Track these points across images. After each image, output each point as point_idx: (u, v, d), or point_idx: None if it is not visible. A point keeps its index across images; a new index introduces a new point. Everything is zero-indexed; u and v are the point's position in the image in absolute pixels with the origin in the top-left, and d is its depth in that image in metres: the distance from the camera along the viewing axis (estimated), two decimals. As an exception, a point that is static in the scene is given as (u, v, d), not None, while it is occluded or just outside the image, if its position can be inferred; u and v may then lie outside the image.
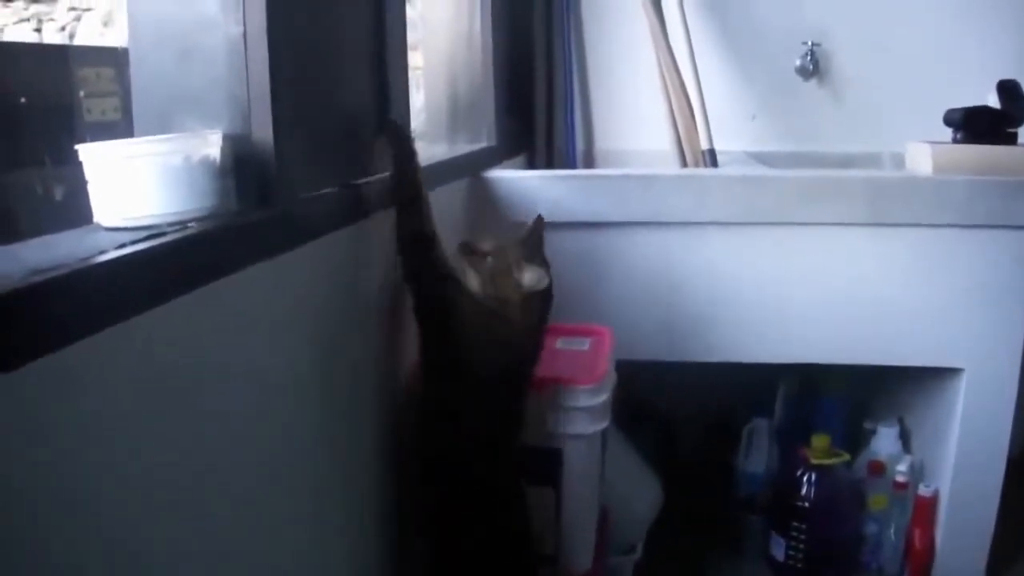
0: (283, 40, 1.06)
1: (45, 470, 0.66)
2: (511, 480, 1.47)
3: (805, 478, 2.21)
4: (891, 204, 2.01)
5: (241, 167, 1.04)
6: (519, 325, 1.41)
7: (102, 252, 0.78)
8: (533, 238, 1.50)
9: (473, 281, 1.39)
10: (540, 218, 1.55)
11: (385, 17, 1.48)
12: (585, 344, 1.84)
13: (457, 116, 2.43)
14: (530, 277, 1.40)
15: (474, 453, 1.40)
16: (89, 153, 0.93)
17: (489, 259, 1.42)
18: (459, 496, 1.41)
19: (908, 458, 2.27)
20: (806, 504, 2.20)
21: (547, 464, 1.63)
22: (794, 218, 2.03)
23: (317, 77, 1.23)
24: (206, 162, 0.99)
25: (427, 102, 2.45)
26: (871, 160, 2.78)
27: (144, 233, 0.86)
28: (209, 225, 0.94)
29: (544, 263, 1.47)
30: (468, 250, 1.43)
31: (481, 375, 1.39)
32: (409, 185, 1.37)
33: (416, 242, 1.37)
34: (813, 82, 2.89)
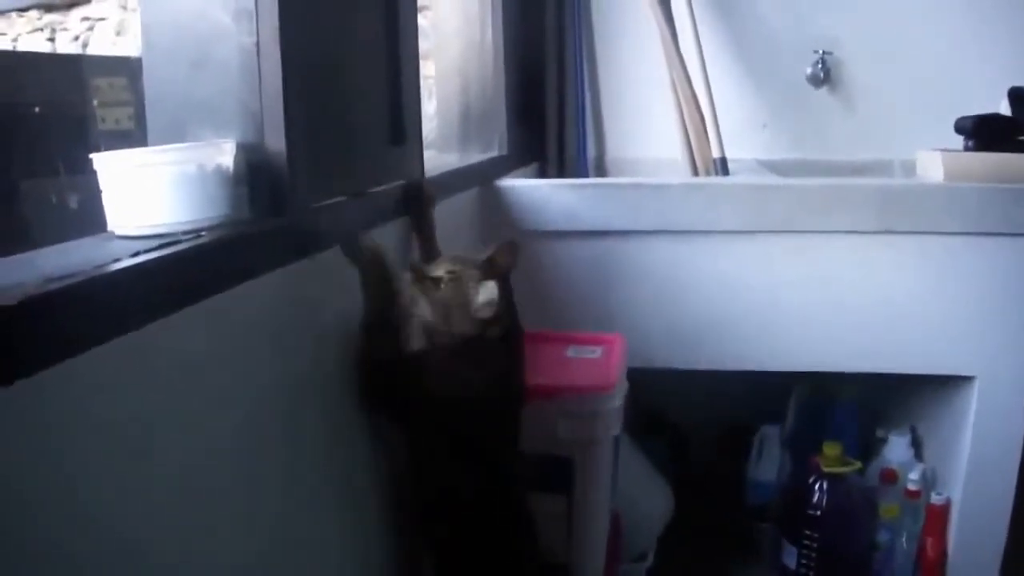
0: (295, 50, 1.06)
1: (59, 475, 0.67)
2: (514, 505, 1.42)
3: (817, 486, 2.20)
4: (902, 212, 2.01)
5: (254, 176, 1.05)
6: (484, 361, 1.28)
7: (116, 260, 0.78)
8: (496, 265, 1.29)
9: (425, 310, 1.24)
10: (514, 244, 1.32)
11: (397, 26, 1.48)
12: (597, 352, 1.84)
13: (469, 125, 2.43)
14: (483, 295, 1.24)
15: (472, 494, 1.34)
16: (103, 162, 0.94)
17: (443, 287, 1.25)
18: (463, 530, 1.36)
19: (920, 466, 2.26)
20: (818, 512, 2.19)
21: (559, 471, 1.63)
22: (805, 226, 2.03)
23: (329, 86, 1.23)
24: (219, 171, 0.99)
25: (439, 111, 2.46)
26: (882, 168, 2.77)
27: (158, 241, 0.87)
28: (222, 233, 0.94)
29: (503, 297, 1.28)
30: (419, 276, 1.26)
31: (465, 435, 1.30)
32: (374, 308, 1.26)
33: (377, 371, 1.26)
34: (824, 90, 2.89)
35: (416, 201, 1.47)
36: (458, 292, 1.24)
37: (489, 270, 1.26)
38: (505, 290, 1.28)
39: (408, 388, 1.26)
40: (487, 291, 1.24)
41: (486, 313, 1.24)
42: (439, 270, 1.26)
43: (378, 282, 1.25)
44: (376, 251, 1.25)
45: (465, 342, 1.25)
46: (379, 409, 1.30)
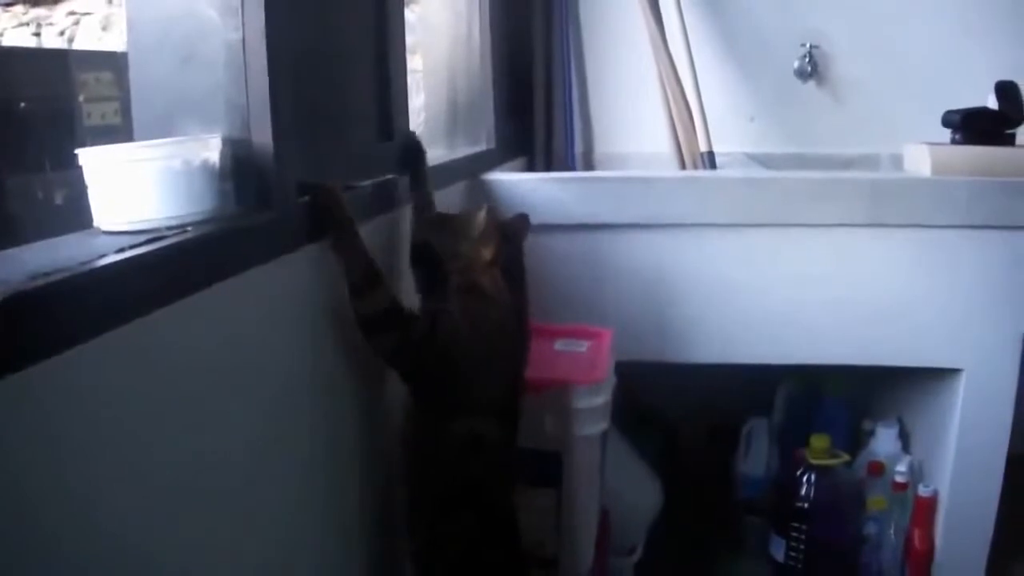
0: (282, 45, 1.06)
1: (47, 472, 0.66)
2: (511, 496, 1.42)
3: (805, 479, 2.21)
4: (890, 205, 2.01)
5: (240, 171, 1.05)
6: (493, 295, 1.34)
7: (102, 256, 0.78)
8: (508, 230, 1.42)
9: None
10: (525, 217, 1.50)
11: (385, 21, 1.48)
12: (584, 346, 1.85)
13: (456, 119, 2.43)
14: (478, 219, 1.34)
15: (489, 477, 1.36)
16: (89, 157, 0.93)
17: (456, 220, 1.38)
18: (472, 519, 1.35)
19: (907, 458, 2.27)
20: (806, 505, 2.20)
21: (548, 466, 1.63)
22: (793, 219, 2.03)
23: (316, 81, 1.23)
24: (206, 166, 0.99)
25: (426, 105, 2.45)
26: (870, 161, 2.78)
27: (144, 237, 0.87)
28: (208, 229, 0.94)
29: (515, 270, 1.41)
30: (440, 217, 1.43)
31: (483, 393, 1.34)
32: (358, 263, 1.23)
33: (384, 325, 1.26)
34: (811, 84, 2.89)
35: (413, 154, 1.53)
36: (465, 224, 1.35)
37: (501, 234, 1.37)
38: (517, 258, 1.42)
39: (421, 345, 1.29)
40: (479, 218, 1.34)
41: (484, 244, 1.34)
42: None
43: (343, 229, 1.22)
44: (335, 193, 1.22)
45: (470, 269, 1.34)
46: (395, 364, 1.32)
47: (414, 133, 1.59)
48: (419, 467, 1.35)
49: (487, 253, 1.33)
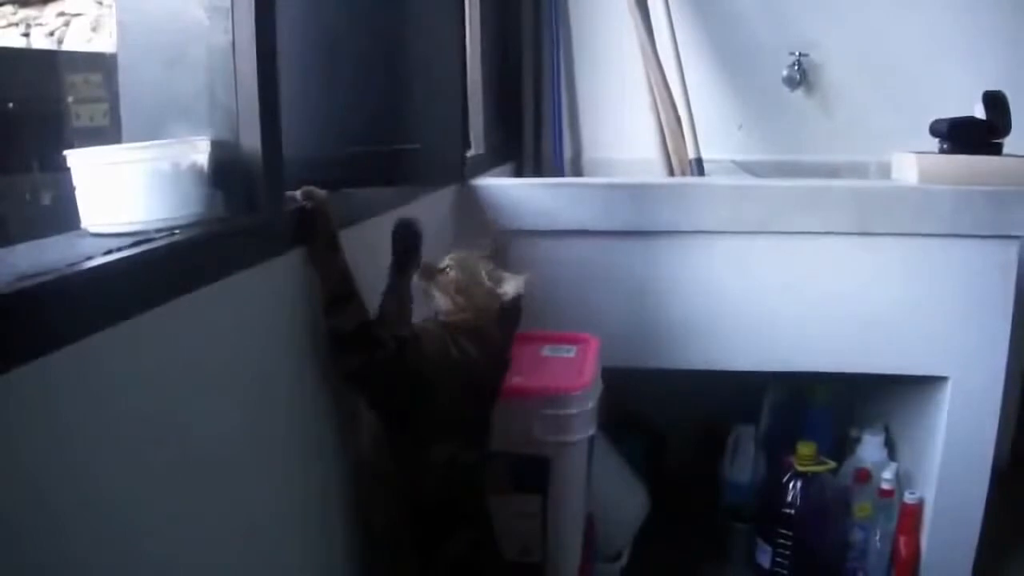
0: (271, 48, 1.06)
1: (31, 473, 0.66)
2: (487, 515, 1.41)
3: (791, 486, 2.21)
4: (877, 214, 2.02)
5: (229, 174, 1.05)
6: (495, 336, 1.34)
7: (89, 258, 0.78)
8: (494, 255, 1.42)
9: (441, 301, 1.32)
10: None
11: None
12: (571, 351, 1.85)
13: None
14: (512, 285, 1.34)
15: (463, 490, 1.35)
16: (77, 159, 0.93)
17: (451, 272, 1.33)
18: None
19: (893, 466, 2.27)
20: (792, 512, 2.20)
21: (534, 471, 1.63)
22: (781, 227, 2.04)
23: (306, 84, 1.23)
24: (194, 169, 0.99)
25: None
26: (857, 170, 2.79)
27: (131, 239, 0.86)
28: (196, 231, 0.94)
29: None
30: (429, 272, 1.34)
31: (454, 416, 1.31)
32: (336, 277, 1.21)
33: (353, 344, 1.23)
34: (800, 92, 2.90)
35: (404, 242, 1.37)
36: (468, 274, 1.34)
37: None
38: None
39: (394, 365, 1.26)
40: (514, 282, 1.34)
41: (511, 291, 1.34)
42: (445, 260, 1.35)
43: (326, 240, 1.19)
44: (323, 201, 1.20)
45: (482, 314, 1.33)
46: (358, 386, 1.28)
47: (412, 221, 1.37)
48: (400, 494, 1.32)
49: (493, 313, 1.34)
